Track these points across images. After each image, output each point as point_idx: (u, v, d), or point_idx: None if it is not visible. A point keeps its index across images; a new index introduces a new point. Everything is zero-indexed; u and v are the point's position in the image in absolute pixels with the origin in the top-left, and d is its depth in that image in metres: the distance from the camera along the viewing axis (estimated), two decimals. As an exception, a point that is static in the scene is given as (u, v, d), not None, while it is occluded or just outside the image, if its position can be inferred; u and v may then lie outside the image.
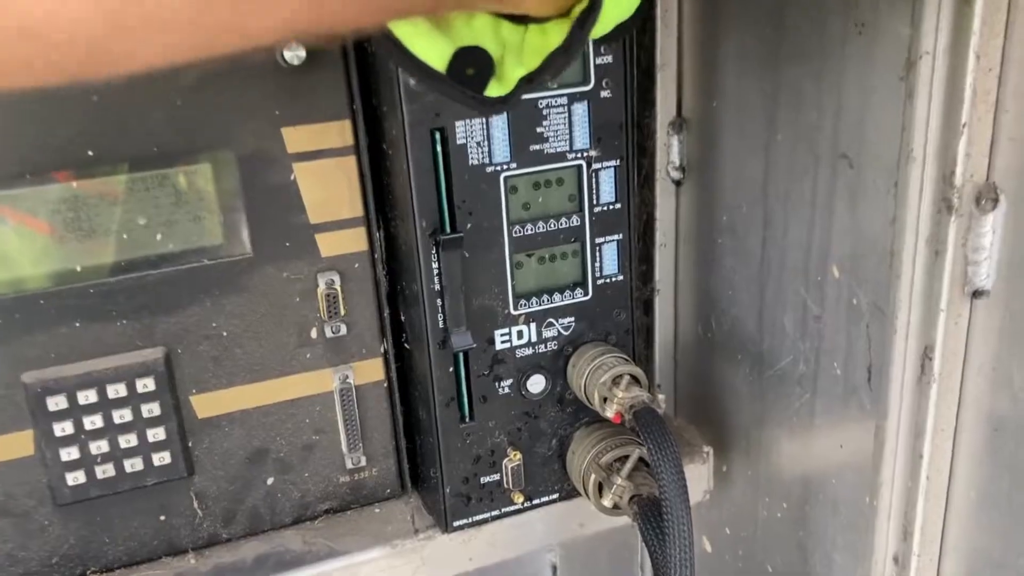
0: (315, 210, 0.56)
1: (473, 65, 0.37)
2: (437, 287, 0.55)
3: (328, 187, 0.56)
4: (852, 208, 0.52)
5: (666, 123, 0.68)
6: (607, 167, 0.57)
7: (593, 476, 0.58)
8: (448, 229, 0.54)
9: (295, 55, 0.52)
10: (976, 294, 0.46)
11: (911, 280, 0.48)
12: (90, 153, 0.51)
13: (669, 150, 0.69)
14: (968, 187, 0.45)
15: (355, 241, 0.58)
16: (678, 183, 0.70)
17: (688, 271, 0.71)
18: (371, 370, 0.60)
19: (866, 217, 0.51)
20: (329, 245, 0.57)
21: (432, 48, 0.37)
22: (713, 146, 0.65)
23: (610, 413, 0.55)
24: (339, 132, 0.55)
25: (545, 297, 0.58)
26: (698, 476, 0.69)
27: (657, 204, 0.70)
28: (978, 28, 0.42)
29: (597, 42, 0.55)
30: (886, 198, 0.49)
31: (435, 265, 0.55)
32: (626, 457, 0.57)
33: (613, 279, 0.60)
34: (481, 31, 0.37)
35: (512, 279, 0.57)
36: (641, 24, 0.65)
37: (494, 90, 0.38)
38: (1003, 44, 0.43)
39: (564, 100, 0.55)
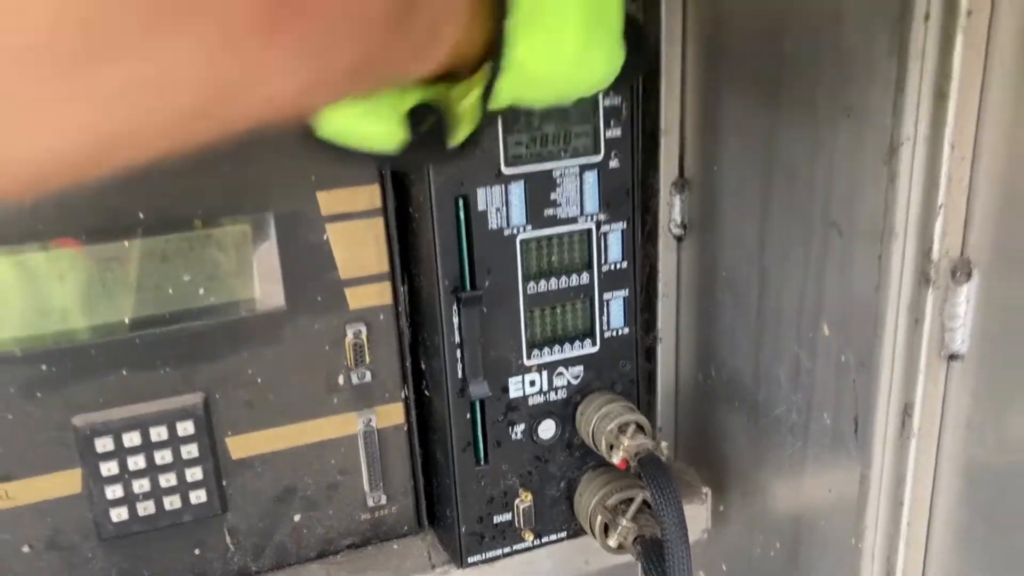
0: (345, 266, 0.61)
1: (425, 120, 0.35)
2: (457, 339, 0.60)
3: (358, 245, 0.61)
4: (841, 273, 0.57)
5: (669, 183, 0.73)
6: (614, 229, 0.62)
7: (600, 517, 0.62)
8: (468, 287, 0.59)
9: (331, 127, 0.57)
10: (952, 358, 0.51)
11: (893, 343, 0.53)
12: (141, 215, 0.56)
13: (671, 209, 0.74)
14: (944, 262, 0.49)
15: (381, 295, 0.62)
16: (679, 239, 0.75)
17: (689, 322, 0.76)
18: (393, 415, 0.64)
19: (854, 282, 0.56)
20: (357, 298, 0.62)
21: (379, 127, 0.35)
22: (713, 207, 0.70)
23: (616, 459, 0.59)
24: (369, 196, 0.60)
25: (556, 348, 0.63)
26: (697, 516, 0.73)
27: (660, 258, 0.75)
28: (952, 120, 0.47)
29: (609, 112, 0.60)
30: (871, 267, 0.53)
31: (456, 319, 0.59)
32: (631, 500, 0.61)
33: (619, 332, 0.64)
34: (416, 97, 0.36)
35: (526, 332, 0.62)
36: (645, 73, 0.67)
37: (457, 137, 0.36)
38: (975, 134, 0.48)
39: (576, 170, 0.60)
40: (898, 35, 0.48)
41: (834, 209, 0.56)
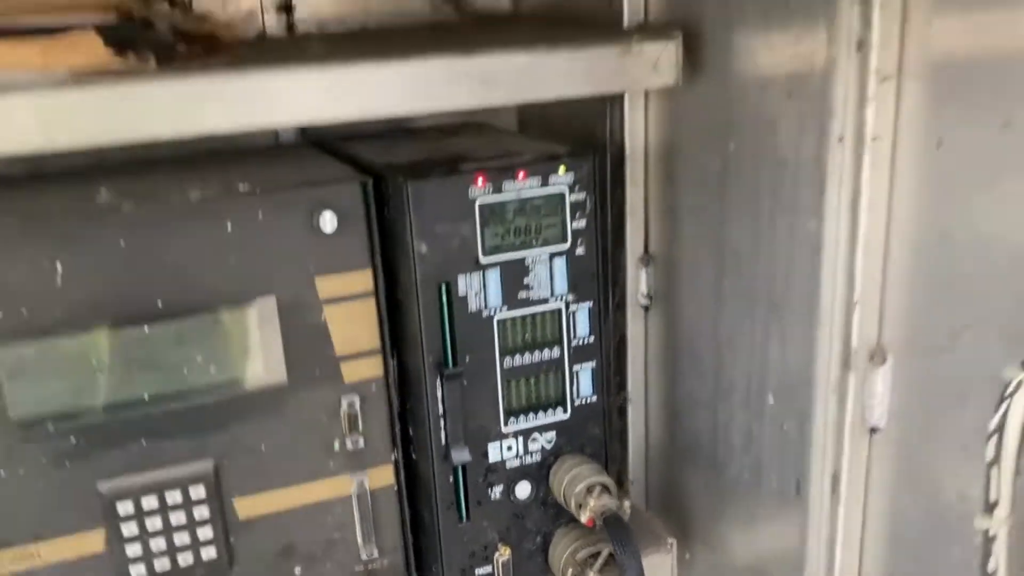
0: (340, 344, 0.68)
1: None
2: (441, 411, 0.67)
3: (352, 325, 0.68)
4: (782, 350, 0.64)
5: (635, 258, 0.80)
6: (582, 308, 0.69)
7: (571, 570, 0.69)
8: (451, 364, 0.66)
9: (329, 224, 0.65)
10: (872, 431, 0.58)
11: (824, 416, 0.60)
12: (159, 304, 0.63)
13: (639, 281, 0.81)
14: (863, 349, 0.56)
15: (372, 368, 0.69)
16: (646, 309, 0.82)
17: (656, 384, 0.83)
18: (384, 476, 0.71)
19: (791, 360, 0.63)
20: (351, 372, 0.69)
21: None
22: (675, 281, 0.77)
23: (584, 518, 0.66)
24: (362, 280, 0.67)
25: (531, 416, 0.70)
26: (662, 564, 0.79)
27: (629, 326, 0.82)
28: (864, 226, 0.55)
29: (575, 206, 0.67)
30: (804, 349, 0.60)
31: (439, 393, 0.66)
32: (598, 554, 0.68)
33: (588, 400, 0.71)
34: None
35: (503, 402, 0.69)
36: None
37: None
38: (885, 239, 0.55)
39: (547, 257, 0.67)
40: (819, 151, 0.56)
41: (774, 293, 0.64)
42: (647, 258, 0.80)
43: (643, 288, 0.81)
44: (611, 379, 0.75)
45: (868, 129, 0.53)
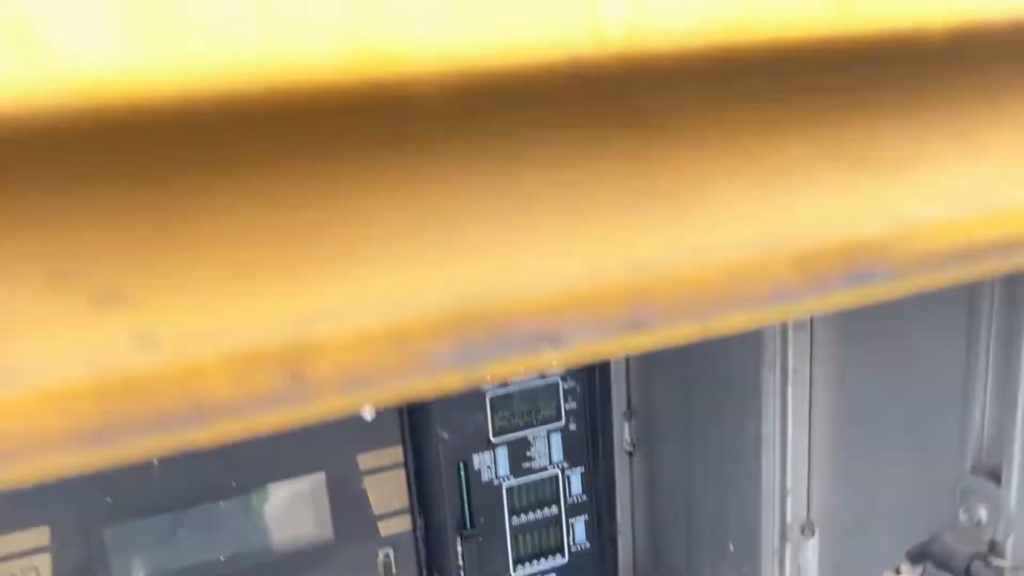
0: (377, 505, 0.83)
1: None
2: (461, 563, 0.81)
3: (387, 490, 0.83)
4: (739, 513, 0.79)
5: (620, 413, 0.96)
6: (575, 472, 0.84)
7: None
8: (468, 526, 0.81)
9: (368, 414, 0.80)
10: (807, 587, 0.73)
11: (770, 570, 0.74)
12: (233, 483, 0.78)
13: (623, 432, 0.96)
14: (795, 524, 0.71)
15: (403, 524, 0.84)
16: (631, 454, 0.97)
17: (641, 518, 0.97)
18: (414, 612, 0.86)
19: (744, 522, 0.77)
20: (386, 528, 0.84)
21: None
22: (653, 433, 0.92)
23: (579, 650, 0.81)
24: (394, 454, 0.82)
25: (535, 562, 0.84)
26: (649, 676, 0.94)
27: (616, 469, 0.97)
28: (792, 434, 0.70)
29: (567, 391, 0.83)
30: (753, 517, 0.75)
31: (460, 549, 0.81)
32: None
33: (583, 546, 0.86)
34: None
35: (512, 552, 0.83)
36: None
37: None
38: (808, 443, 0.70)
39: (545, 433, 0.82)
40: (756, 370, 0.71)
41: (728, 467, 0.79)
42: (629, 413, 0.95)
43: (627, 437, 0.96)
44: (603, 525, 0.89)
45: (790, 363, 0.68)
